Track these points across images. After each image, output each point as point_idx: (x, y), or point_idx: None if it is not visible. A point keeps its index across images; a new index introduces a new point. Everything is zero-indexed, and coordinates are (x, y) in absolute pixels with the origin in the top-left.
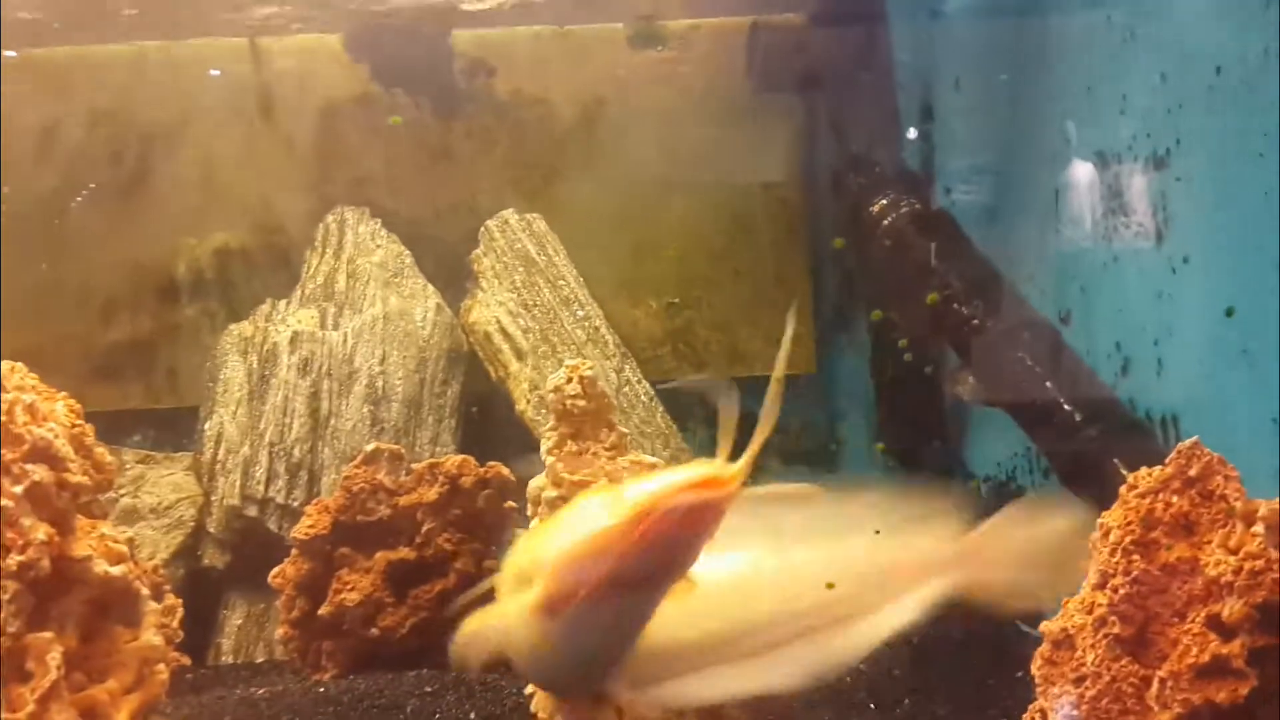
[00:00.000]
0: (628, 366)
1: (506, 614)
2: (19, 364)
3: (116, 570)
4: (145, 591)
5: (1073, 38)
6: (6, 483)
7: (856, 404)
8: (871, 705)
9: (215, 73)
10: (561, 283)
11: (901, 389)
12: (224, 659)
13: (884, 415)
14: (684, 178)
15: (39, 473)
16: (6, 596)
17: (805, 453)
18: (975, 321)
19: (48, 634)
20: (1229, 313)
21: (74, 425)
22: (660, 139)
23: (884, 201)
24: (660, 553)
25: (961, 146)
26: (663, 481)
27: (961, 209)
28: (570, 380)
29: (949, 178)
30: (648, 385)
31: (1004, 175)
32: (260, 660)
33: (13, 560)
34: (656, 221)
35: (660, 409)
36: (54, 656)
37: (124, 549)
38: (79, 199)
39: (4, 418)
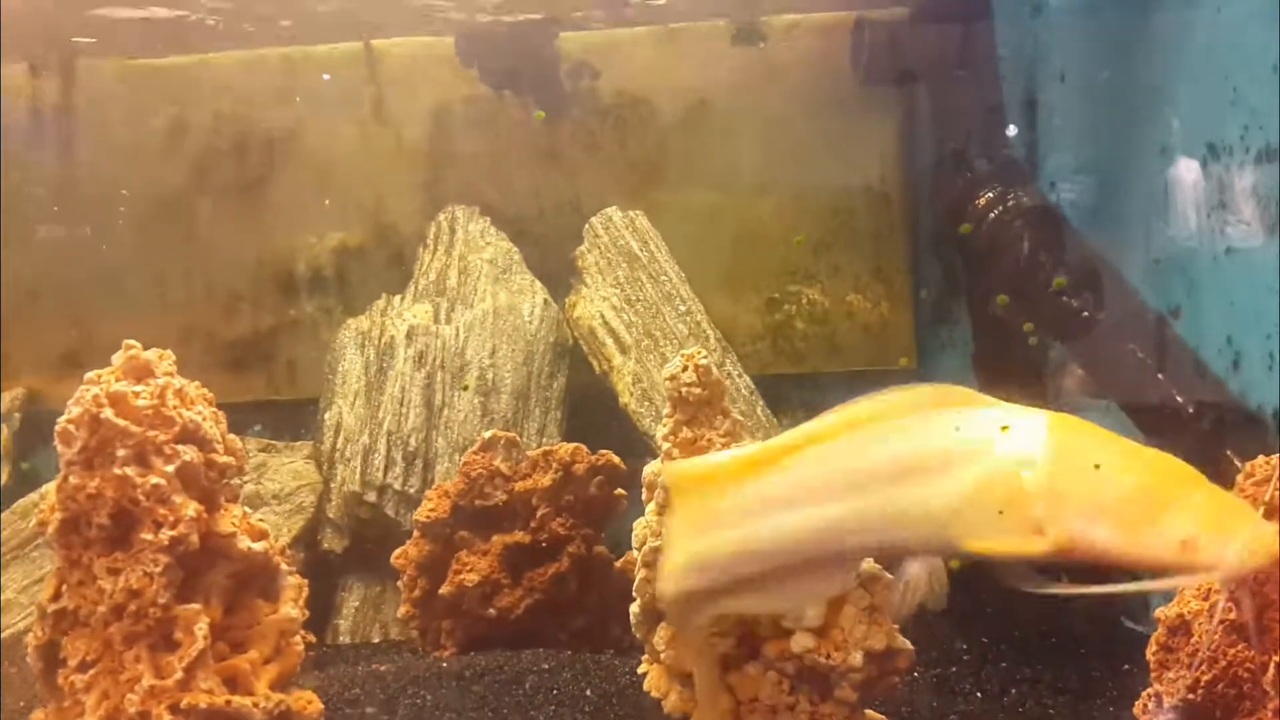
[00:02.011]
0: (728, 360)
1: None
2: (168, 351)
3: (258, 546)
4: (284, 567)
5: (1180, 30)
6: (159, 462)
7: None
8: (978, 694)
9: (327, 77)
10: (664, 278)
11: (1006, 382)
12: (341, 640)
13: None
14: (785, 173)
15: (189, 453)
16: (158, 569)
17: None
18: (1084, 314)
19: (195, 606)
20: None
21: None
22: (762, 135)
23: (989, 195)
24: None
25: (1066, 141)
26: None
27: (1067, 203)
28: (686, 368)
29: (1054, 172)
30: (748, 379)
31: (1110, 169)
32: (377, 640)
33: (164, 535)
34: (757, 217)
35: (760, 402)
36: (201, 627)
37: (265, 527)
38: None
39: (156, 401)
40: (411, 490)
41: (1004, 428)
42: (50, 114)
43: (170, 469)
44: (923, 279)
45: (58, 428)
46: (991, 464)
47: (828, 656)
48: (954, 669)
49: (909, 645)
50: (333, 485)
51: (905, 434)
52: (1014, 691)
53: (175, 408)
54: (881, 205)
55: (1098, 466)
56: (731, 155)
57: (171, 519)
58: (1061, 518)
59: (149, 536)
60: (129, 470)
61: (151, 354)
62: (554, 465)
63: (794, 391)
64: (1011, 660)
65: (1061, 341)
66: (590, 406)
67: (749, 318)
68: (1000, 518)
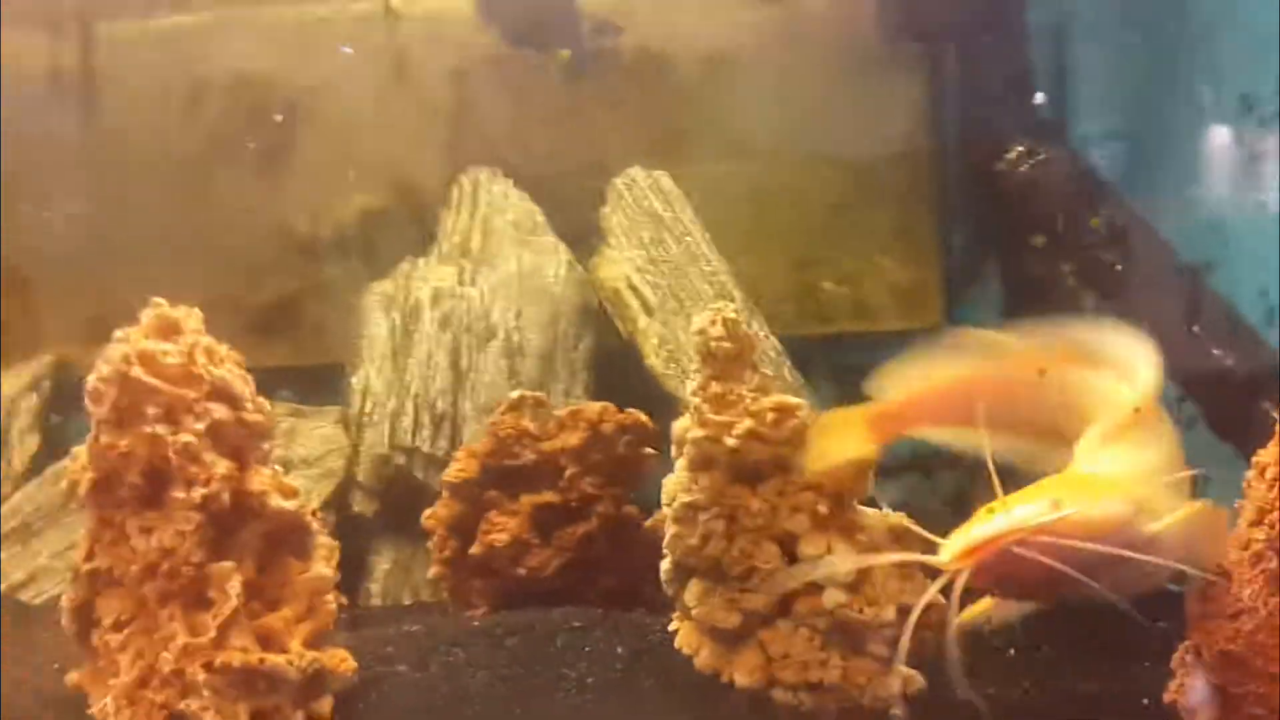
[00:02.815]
0: (755, 321)
1: None
2: (195, 309)
3: (290, 504)
4: (315, 525)
5: None
6: (189, 420)
7: None
8: (1011, 650)
9: (347, 50)
10: (688, 239)
11: None
12: (372, 602)
13: None
14: (810, 131)
15: (219, 411)
16: (191, 527)
17: None
18: (1117, 268)
19: (228, 564)
20: None
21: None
22: (786, 93)
23: (1020, 150)
24: None
25: (1099, 93)
26: None
27: (1100, 157)
28: (715, 322)
29: (1086, 124)
30: (775, 340)
31: (1144, 121)
32: (408, 602)
33: (196, 493)
34: (783, 177)
35: (787, 364)
36: (234, 585)
37: (296, 485)
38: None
39: (185, 359)
40: (439, 453)
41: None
42: (71, 79)
43: (200, 426)
44: (951, 239)
45: (88, 386)
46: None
47: (860, 612)
48: (986, 625)
49: (942, 600)
50: (361, 449)
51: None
52: (1046, 648)
53: (204, 365)
54: (909, 164)
55: None
56: (756, 114)
57: (203, 477)
58: None
59: (181, 495)
60: (159, 428)
61: (179, 312)
62: (582, 424)
63: (820, 353)
64: (1046, 617)
65: (1095, 296)
66: (616, 369)
67: (775, 279)
68: None
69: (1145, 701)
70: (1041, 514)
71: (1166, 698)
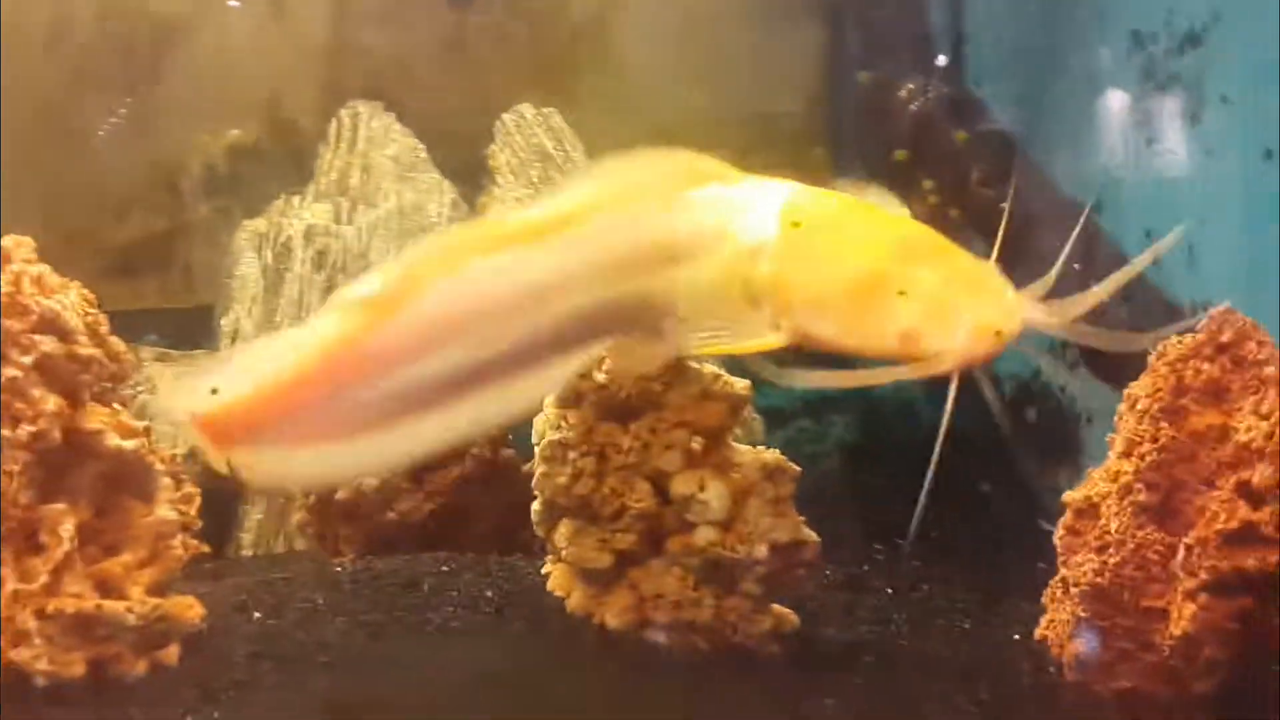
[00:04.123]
0: None
1: None
2: (26, 238)
3: (129, 444)
4: (159, 467)
5: None
6: (15, 353)
7: None
8: (889, 590)
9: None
10: None
11: None
12: (244, 553)
13: None
14: (706, 74)
15: (47, 344)
16: (17, 468)
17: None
18: (1003, 205)
19: (60, 505)
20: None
21: (87, 314)
22: (680, 31)
23: (910, 88)
24: None
25: (990, 28)
26: None
27: (991, 94)
28: None
29: (978, 61)
30: None
31: (1034, 58)
32: (281, 552)
33: (23, 431)
34: (675, 117)
35: None
36: (67, 528)
37: (137, 426)
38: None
39: (11, 288)
40: None
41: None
42: None
43: (27, 360)
44: (845, 183)
45: None
46: (729, 255)
47: (732, 550)
48: (865, 567)
49: (815, 537)
50: None
51: (654, 220)
52: (925, 587)
53: (32, 295)
54: (806, 109)
55: (827, 251)
56: (650, 53)
57: (30, 414)
58: (789, 310)
59: (7, 433)
60: None
61: (8, 240)
62: None
63: None
64: (923, 559)
65: (980, 233)
66: None
67: None
68: (737, 312)
69: (1016, 637)
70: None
71: (1038, 633)
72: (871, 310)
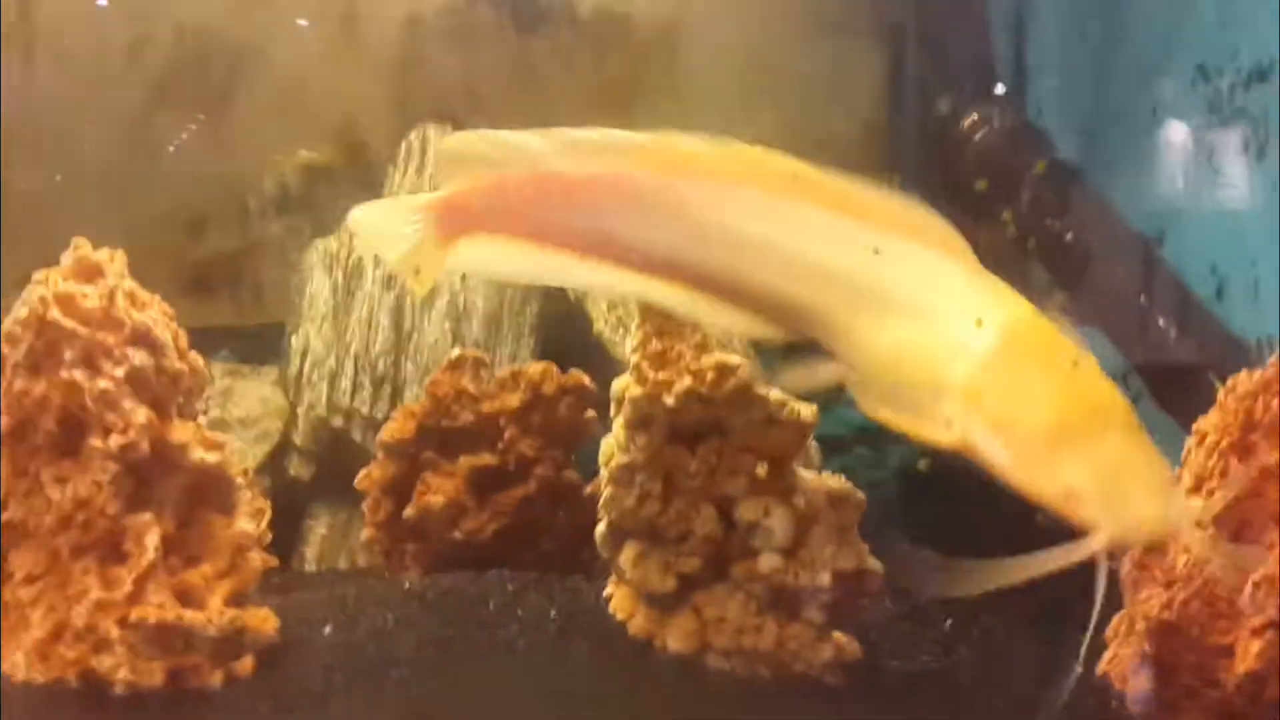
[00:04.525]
0: None
1: None
2: (119, 253)
3: (213, 457)
4: (240, 481)
5: None
6: (107, 365)
7: None
8: (947, 619)
9: (295, 3)
10: None
11: None
12: (308, 567)
13: None
14: (768, 98)
15: (139, 357)
16: (107, 478)
17: None
18: (1068, 238)
19: (146, 516)
20: None
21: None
22: (743, 55)
23: (974, 118)
24: None
25: (1055, 61)
26: None
27: (1054, 126)
28: None
29: (1041, 95)
30: None
31: (1099, 92)
32: (344, 567)
33: (114, 441)
34: (739, 139)
35: None
36: (151, 538)
37: (221, 439)
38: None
39: (105, 302)
40: (379, 415)
41: (978, 321)
42: (13, 27)
43: (120, 373)
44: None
45: (3, 330)
46: (937, 339)
47: (796, 577)
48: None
49: (879, 566)
50: (300, 410)
51: (889, 255)
52: (985, 617)
53: (126, 309)
54: (865, 132)
55: (1032, 385)
56: (713, 78)
57: (121, 425)
58: (969, 420)
59: (98, 443)
60: (77, 374)
61: (102, 254)
62: (522, 386)
63: None
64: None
65: (1044, 266)
66: (563, 334)
67: None
68: (910, 391)
69: (1080, 671)
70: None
71: (1100, 668)
72: (1050, 456)
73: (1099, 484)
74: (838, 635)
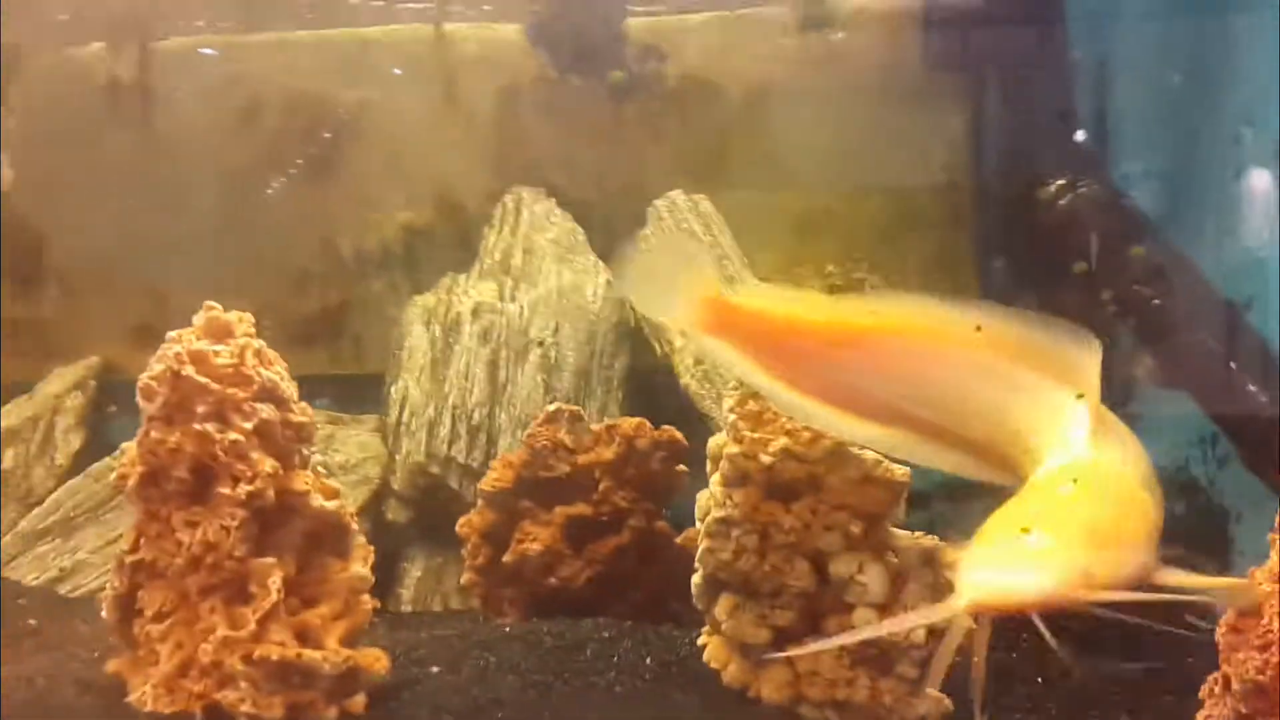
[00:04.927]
0: None
1: None
2: (247, 314)
3: (331, 505)
4: (354, 527)
5: (1254, 33)
6: (238, 419)
7: None
8: (1038, 679)
9: (398, 58)
10: (726, 261)
11: None
12: (403, 608)
13: None
14: (850, 160)
15: (267, 411)
16: (235, 523)
17: None
18: (1156, 302)
19: (270, 560)
20: None
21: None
22: (827, 121)
23: (1059, 183)
24: None
25: (1139, 135)
26: None
27: (1140, 194)
28: None
29: (1126, 160)
30: None
31: (1184, 162)
32: (438, 610)
33: (242, 490)
34: (821, 203)
35: None
36: (275, 580)
37: (337, 487)
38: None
39: (235, 360)
40: (474, 463)
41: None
42: (126, 91)
43: (249, 426)
44: (990, 268)
45: (140, 383)
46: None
47: (889, 633)
48: (1014, 655)
49: (971, 623)
50: (398, 457)
51: (1003, 388)
52: (1074, 679)
53: (254, 367)
54: (948, 194)
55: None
56: (796, 141)
57: (249, 474)
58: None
59: (227, 491)
60: (209, 426)
61: (232, 315)
62: (617, 439)
63: None
64: (1073, 648)
65: (1133, 329)
66: (651, 388)
67: None
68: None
69: None
70: (1076, 588)
71: None
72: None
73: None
74: (931, 691)
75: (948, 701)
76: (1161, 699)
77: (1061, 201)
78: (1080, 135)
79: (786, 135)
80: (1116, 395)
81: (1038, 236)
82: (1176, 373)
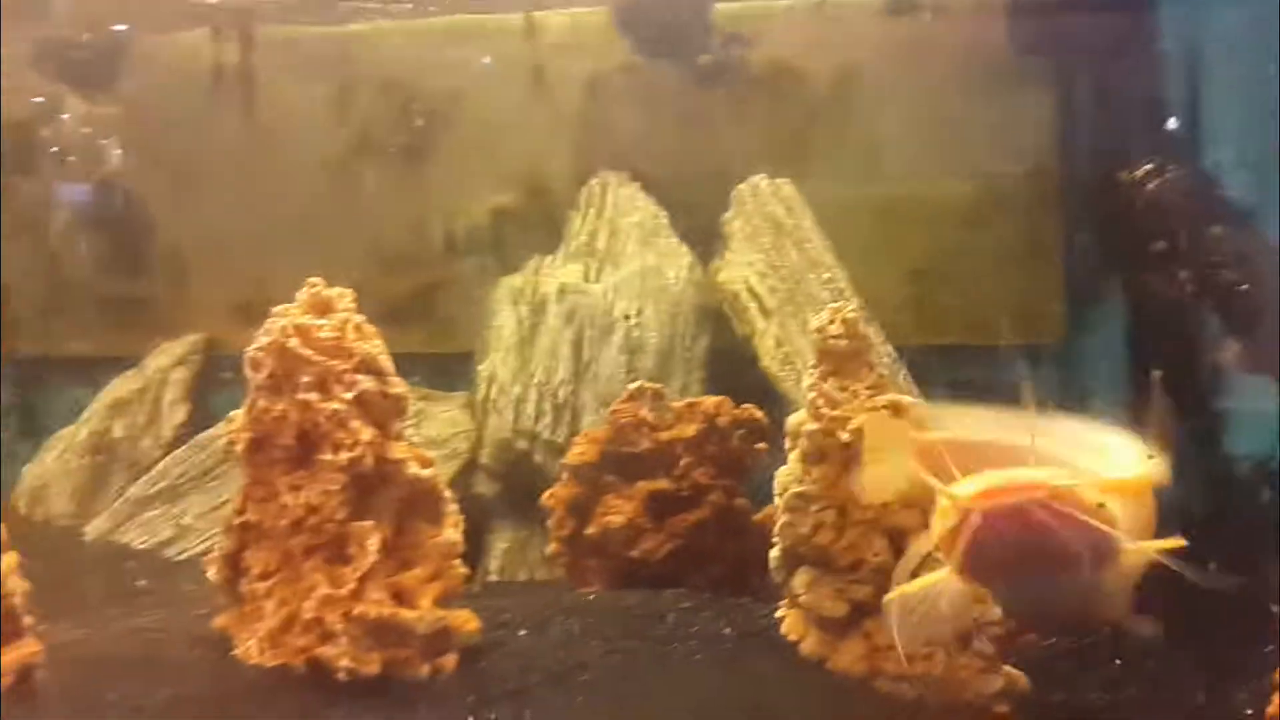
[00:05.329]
0: (870, 330)
1: None
2: (348, 290)
3: (425, 473)
4: (447, 494)
5: None
6: (339, 389)
7: (1106, 381)
8: (1116, 661)
9: (489, 45)
10: (808, 245)
11: (1161, 359)
12: (490, 579)
13: (1137, 394)
14: (936, 145)
15: (366, 382)
16: (336, 488)
17: None
18: (1243, 288)
19: (368, 523)
20: None
21: None
22: (913, 107)
23: (1147, 168)
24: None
25: (1230, 121)
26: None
27: (1230, 181)
28: (833, 321)
29: (1215, 147)
30: (890, 348)
31: (1273, 137)
32: (523, 580)
33: (343, 456)
34: (906, 189)
35: (903, 371)
36: (373, 543)
37: (431, 456)
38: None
39: (337, 333)
40: (559, 439)
41: None
42: (229, 78)
43: (349, 396)
44: (1076, 254)
45: (248, 355)
46: None
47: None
48: (1092, 638)
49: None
50: (485, 433)
51: None
52: (1151, 663)
53: (355, 340)
54: (1036, 181)
55: None
56: (882, 126)
57: (349, 442)
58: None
59: (328, 457)
60: (312, 396)
61: (333, 291)
62: (698, 416)
63: (937, 363)
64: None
65: (1217, 315)
66: (731, 368)
67: (893, 288)
68: None
69: (1249, 713)
70: (1065, 478)
71: (1269, 711)
72: None
73: None
74: (1007, 668)
75: (1024, 679)
76: (1236, 682)
77: (1149, 187)
78: (1171, 121)
79: (872, 120)
80: (1206, 382)
81: (1125, 222)
82: (1263, 359)
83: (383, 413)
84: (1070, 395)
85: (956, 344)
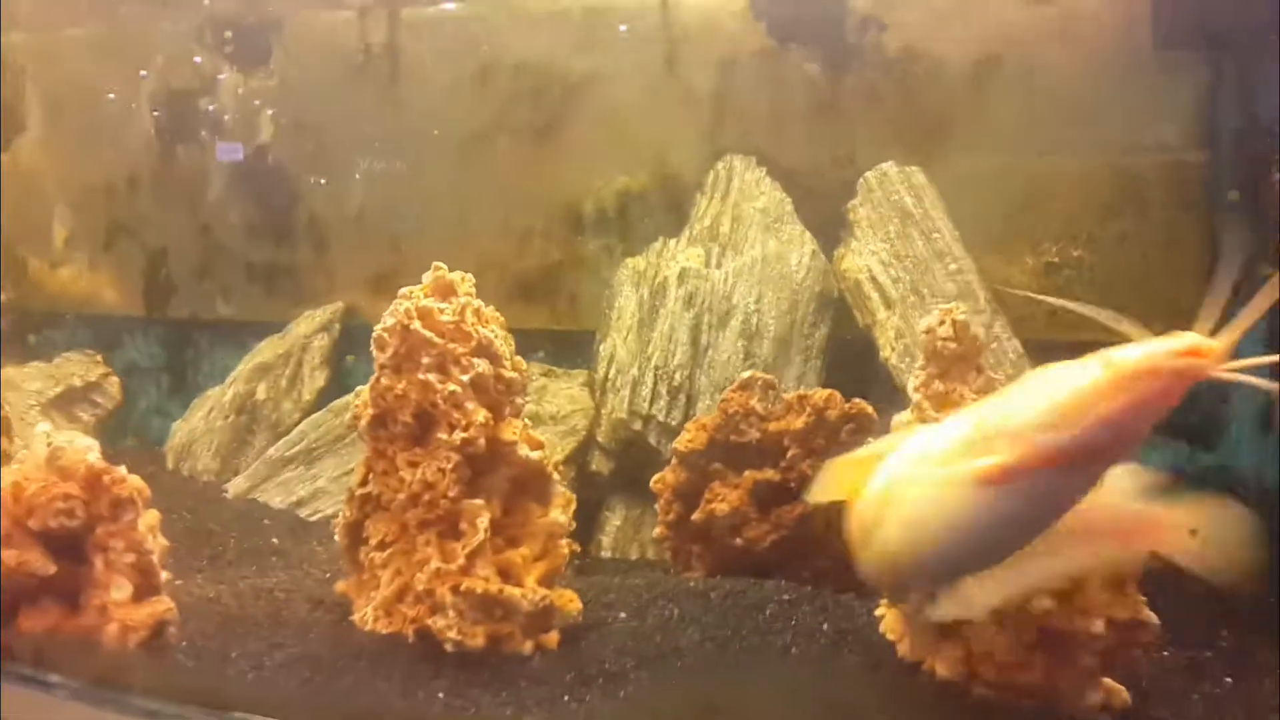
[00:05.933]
0: (998, 323)
1: (922, 478)
2: (469, 274)
3: (535, 455)
4: (556, 476)
5: None
6: (456, 371)
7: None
8: (1228, 679)
9: (624, 28)
10: (936, 235)
11: None
12: (602, 554)
13: None
14: (1074, 135)
15: (482, 365)
16: (450, 466)
17: (1188, 426)
18: None
19: (479, 501)
20: None
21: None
22: (1051, 94)
23: None
24: (1133, 421)
25: None
26: (1150, 346)
27: None
28: (943, 322)
29: None
30: (1017, 342)
31: None
32: (634, 558)
33: (457, 436)
34: (1041, 179)
35: (1029, 366)
36: (483, 520)
37: (541, 439)
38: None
39: (457, 317)
40: (673, 422)
41: None
42: (374, 55)
43: (466, 378)
44: (1219, 248)
45: (374, 335)
46: None
47: (1069, 621)
48: (1208, 654)
49: (1155, 619)
50: (603, 412)
51: None
52: (1267, 683)
53: (473, 325)
54: (1177, 173)
55: None
56: (1018, 114)
57: (464, 422)
58: None
59: (444, 436)
60: (431, 376)
61: (455, 275)
62: (807, 409)
63: (1067, 358)
64: (1275, 652)
65: None
66: (851, 358)
67: (1024, 281)
68: None
69: None
70: None
71: None
72: None
73: None
74: (1108, 681)
75: (1125, 693)
76: None
77: None
78: None
79: (1008, 108)
80: None
81: (1270, 217)
82: None
83: (496, 395)
84: (1210, 394)
85: (1090, 340)
